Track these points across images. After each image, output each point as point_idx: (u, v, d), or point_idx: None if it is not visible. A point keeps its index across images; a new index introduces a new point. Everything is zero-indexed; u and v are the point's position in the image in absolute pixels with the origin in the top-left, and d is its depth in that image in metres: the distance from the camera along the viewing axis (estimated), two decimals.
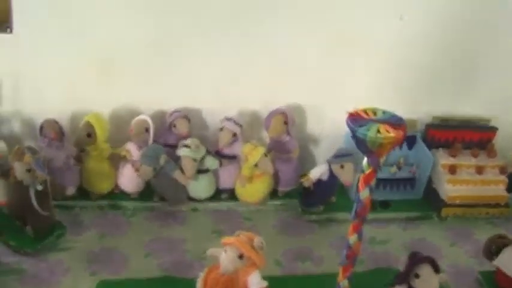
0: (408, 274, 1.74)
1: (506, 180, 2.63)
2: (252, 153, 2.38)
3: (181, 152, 2.36)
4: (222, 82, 2.54)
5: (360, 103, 2.55)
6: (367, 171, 1.43)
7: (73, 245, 2.23)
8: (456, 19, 2.52)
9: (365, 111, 1.38)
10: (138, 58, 2.43)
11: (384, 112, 1.39)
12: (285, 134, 2.55)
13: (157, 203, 2.47)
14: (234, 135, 2.47)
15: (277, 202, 2.59)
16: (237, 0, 2.39)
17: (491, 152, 2.67)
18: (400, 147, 2.69)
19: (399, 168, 2.64)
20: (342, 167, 2.38)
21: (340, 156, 2.39)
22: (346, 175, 2.39)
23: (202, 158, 2.42)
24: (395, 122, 1.36)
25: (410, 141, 2.69)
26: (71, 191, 2.35)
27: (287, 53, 2.51)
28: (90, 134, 2.33)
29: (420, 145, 2.67)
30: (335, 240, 2.40)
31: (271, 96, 2.58)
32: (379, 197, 2.62)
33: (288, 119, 2.52)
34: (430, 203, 2.65)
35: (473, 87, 2.71)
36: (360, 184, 1.49)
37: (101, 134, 2.34)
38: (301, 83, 2.59)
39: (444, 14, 2.50)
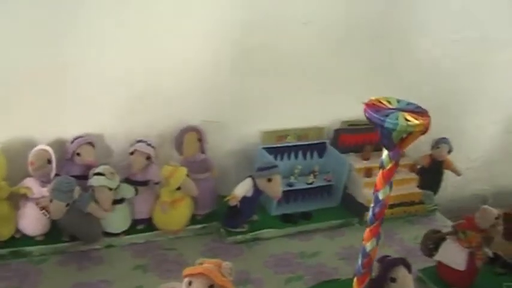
0: (383, 279, 1.66)
1: (417, 177, 2.68)
2: (174, 175, 2.16)
3: (95, 181, 2.08)
4: (123, 103, 2.32)
5: (265, 114, 2.57)
6: (388, 166, 1.33)
7: None
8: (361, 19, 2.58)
9: (379, 101, 1.28)
10: (28, 83, 2.12)
11: (399, 101, 1.30)
12: (199, 153, 2.38)
13: (68, 243, 2.15)
14: (148, 158, 2.24)
15: (197, 226, 2.37)
16: (141, 13, 2.19)
17: None
18: (311, 155, 2.66)
19: (315, 176, 2.58)
20: (269, 180, 2.24)
21: (266, 168, 2.25)
22: (274, 188, 2.26)
23: (117, 187, 2.16)
24: (415, 109, 1.27)
25: (320, 148, 2.66)
26: None
27: (190, 68, 2.36)
28: None
29: (332, 151, 2.64)
30: (267, 259, 2.26)
31: (177, 113, 2.41)
32: (298, 208, 2.55)
33: (202, 136, 2.36)
34: (349, 209, 2.61)
35: (373, 88, 2.74)
36: (378, 181, 1.37)
37: None
38: (207, 99, 2.45)
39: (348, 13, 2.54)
